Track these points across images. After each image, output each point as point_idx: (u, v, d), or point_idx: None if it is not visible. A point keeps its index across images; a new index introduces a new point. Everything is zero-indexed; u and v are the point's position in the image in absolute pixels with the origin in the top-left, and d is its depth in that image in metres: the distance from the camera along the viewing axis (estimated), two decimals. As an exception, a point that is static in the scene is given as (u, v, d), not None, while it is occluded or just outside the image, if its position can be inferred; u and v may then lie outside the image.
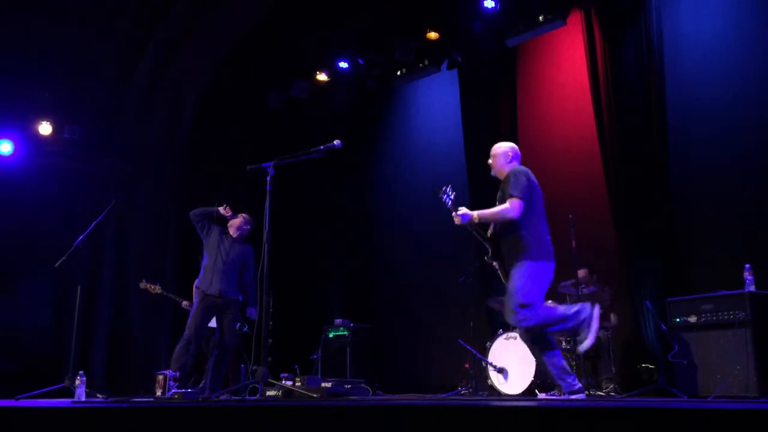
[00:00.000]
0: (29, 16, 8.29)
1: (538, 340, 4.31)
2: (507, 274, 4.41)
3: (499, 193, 4.51)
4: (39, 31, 8.41)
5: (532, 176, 4.43)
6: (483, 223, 4.45)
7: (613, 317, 6.31)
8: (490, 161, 4.63)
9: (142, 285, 6.93)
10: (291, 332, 7.90)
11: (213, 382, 5.92)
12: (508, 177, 4.45)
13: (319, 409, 2.67)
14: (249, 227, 6.25)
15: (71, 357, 6.04)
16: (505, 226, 4.38)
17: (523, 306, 4.20)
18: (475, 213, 4.35)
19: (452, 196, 4.35)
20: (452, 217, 4.31)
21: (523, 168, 4.50)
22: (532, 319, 4.23)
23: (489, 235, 4.52)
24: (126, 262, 7.94)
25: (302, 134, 8.74)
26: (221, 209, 6.08)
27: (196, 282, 6.93)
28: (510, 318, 4.28)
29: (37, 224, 8.47)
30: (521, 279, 4.25)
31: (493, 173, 4.64)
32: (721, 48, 6.45)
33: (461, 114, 8.27)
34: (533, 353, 4.52)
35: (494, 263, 4.50)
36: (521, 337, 4.53)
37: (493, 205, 4.43)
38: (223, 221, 6.23)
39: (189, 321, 6.04)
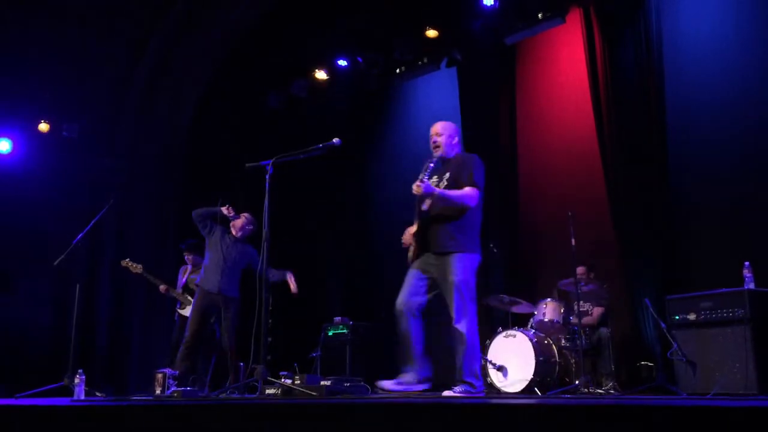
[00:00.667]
0: (29, 15, 8.29)
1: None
2: (422, 254, 4.36)
3: (447, 174, 4.42)
4: (39, 30, 8.41)
5: (484, 165, 4.44)
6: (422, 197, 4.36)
7: (595, 309, 6.29)
8: (436, 137, 4.53)
9: (124, 263, 6.87)
10: (290, 330, 7.90)
11: (213, 380, 5.94)
12: (465, 162, 4.39)
13: (318, 407, 2.67)
14: (252, 227, 6.26)
15: (70, 355, 6.05)
16: (451, 210, 4.31)
17: (471, 300, 4.24)
18: (438, 191, 4.26)
19: (430, 169, 4.29)
20: (416, 183, 4.19)
21: (478, 157, 4.48)
22: (473, 320, 4.21)
23: (424, 209, 4.40)
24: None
25: (301, 133, 8.74)
26: (224, 209, 6.10)
27: (181, 278, 6.91)
28: (461, 318, 4.24)
29: (36, 223, 8.48)
30: (466, 272, 4.24)
31: (439, 154, 4.53)
32: (721, 47, 6.44)
33: (460, 112, 8.26)
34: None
35: (411, 241, 4.42)
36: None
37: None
38: (226, 221, 6.25)
39: (188, 321, 6.07)
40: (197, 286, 6.19)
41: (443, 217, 4.32)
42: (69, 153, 8.89)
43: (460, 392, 4.12)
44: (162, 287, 6.95)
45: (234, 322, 6.05)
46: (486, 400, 3.33)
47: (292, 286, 6.11)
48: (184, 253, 7.18)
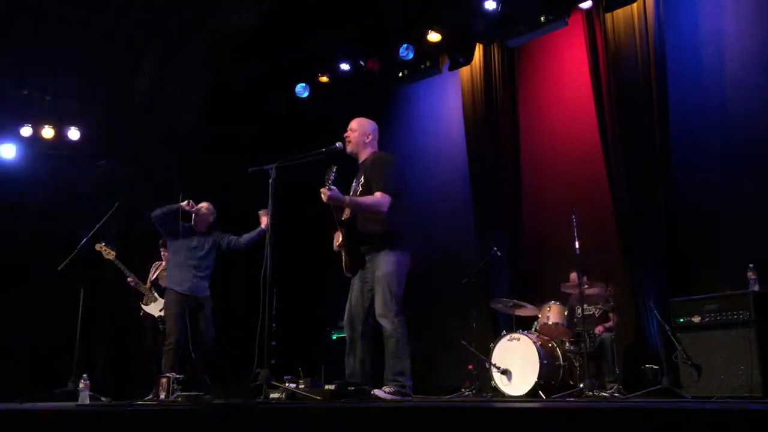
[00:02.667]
0: (32, 19, 8.31)
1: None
2: (355, 263, 4.32)
3: (362, 177, 4.37)
4: (42, 33, 8.43)
5: (403, 166, 4.39)
6: (341, 206, 4.32)
7: (612, 316, 6.30)
8: (349, 131, 4.48)
9: (98, 247, 6.65)
10: (294, 334, 7.89)
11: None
12: (378, 164, 4.32)
13: (322, 411, 2.67)
14: (213, 217, 6.18)
15: (75, 360, 6.04)
16: (370, 213, 4.27)
17: (398, 296, 4.15)
18: (348, 198, 4.21)
19: (333, 178, 4.18)
20: (322, 191, 4.12)
21: (396, 159, 4.41)
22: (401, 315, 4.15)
23: (344, 218, 4.38)
24: (128, 264, 7.96)
25: (304, 136, 8.74)
26: (184, 205, 5.87)
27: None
28: (386, 312, 4.15)
29: (40, 227, 8.49)
30: (392, 267, 4.17)
31: (349, 150, 4.48)
32: (724, 47, 6.44)
33: (463, 115, 8.27)
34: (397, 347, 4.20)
35: (342, 249, 4.37)
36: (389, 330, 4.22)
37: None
38: (188, 217, 6.08)
39: (169, 325, 5.91)
40: (170, 290, 6.01)
41: (365, 222, 4.30)
42: (72, 156, 8.91)
43: (388, 392, 4.02)
44: (130, 279, 6.73)
45: (210, 322, 5.98)
46: (490, 404, 3.33)
47: (263, 221, 5.87)
48: (162, 249, 6.96)
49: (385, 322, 4.15)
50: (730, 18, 6.47)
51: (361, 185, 4.35)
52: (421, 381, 7.72)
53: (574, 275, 6.19)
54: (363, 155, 4.49)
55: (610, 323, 6.24)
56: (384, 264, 4.19)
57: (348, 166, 4.54)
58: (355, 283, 4.42)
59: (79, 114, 8.94)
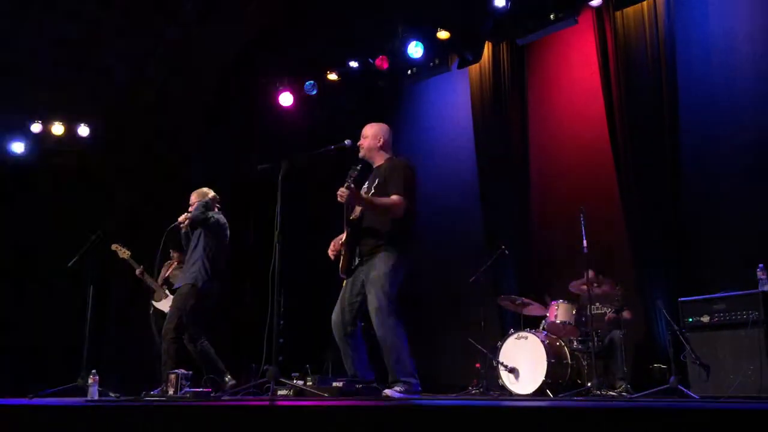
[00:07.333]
0: (42, 16, 8.36)
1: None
2: (352, 264, 4.31)
3: (377, 179, 4.38)
4: (51, 31, 8.48)
5: (415, 172, 4.38)
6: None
7: (626, 313, 6.27)
8: (362, 138, 4.51)
9: (114, 247, 6.79)
10: (302, 331, 7.90)
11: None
12: (394, 168, 4.34)
13: (330, 409, 2.68)
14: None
15: (84, 356, 6.08)
16: (380, 217, 4.27)
17: (392, 297, 4.14)
18: (366, 198, 4.22)
19: (355, 176, 4.23)
20: (341, 190, 4.14)
21: (410, 164, 4.42)
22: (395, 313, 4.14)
23: (352, 217, 4.37)
24: (138, 259, 8.01)
25: (313, 134, 8.75)
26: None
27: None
28: (379, 312, 4.15)
29: (49, 223, 8.54)
30: (388, 268, 4.17)
31: (362, 155, 4.51)
32: (734, 45, 6.41)
33: (471, 113, 8.25)
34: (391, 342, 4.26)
35: (341, 249, 4.35)
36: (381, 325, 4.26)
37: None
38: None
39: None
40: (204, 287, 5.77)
41: (372, 224, 4.29)
42: (81, 153, 8.96)
43: (399, 391, 4.04)
44: (138, 270, 6.80)
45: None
46: (497, 402, 3.33)
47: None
48: (171, 250, 7.05)
49: (378, 323, 4.17)
50: (742, 15, 6.43)
51: (374, 188, 4.36)
52: (428, 379, 7.74)
53: (590, 273, 6.19)
54: (378, 160, 4.51)
55: (622, 318, 6.20)
56: (381, 264, 4.20)
57: (365, 166, 4.55)
58: (348, 285, 4.42)
59: (88, 110, 8.99)
